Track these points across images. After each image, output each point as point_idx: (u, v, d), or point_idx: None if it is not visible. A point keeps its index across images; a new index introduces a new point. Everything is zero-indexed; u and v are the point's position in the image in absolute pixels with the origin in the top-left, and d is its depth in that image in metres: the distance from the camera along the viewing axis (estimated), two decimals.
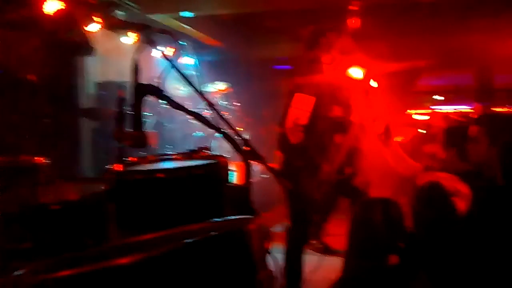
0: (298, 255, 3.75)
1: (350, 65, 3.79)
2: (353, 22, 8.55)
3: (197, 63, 8.06)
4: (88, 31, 6.09)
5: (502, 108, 10.87)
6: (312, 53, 3.71)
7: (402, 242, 2.49)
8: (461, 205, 2.56)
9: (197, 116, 2.02)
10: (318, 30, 3.78)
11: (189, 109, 2.00)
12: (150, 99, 1.86)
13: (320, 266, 3.82)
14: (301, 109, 3.53)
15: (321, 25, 3.82)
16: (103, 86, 7.16)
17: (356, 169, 4.36)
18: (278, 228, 4.14)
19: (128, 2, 6.97)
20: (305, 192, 3.65)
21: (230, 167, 2.35)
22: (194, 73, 2.42)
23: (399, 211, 2.68)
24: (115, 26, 6.98)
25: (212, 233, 1.28)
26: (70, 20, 5.27)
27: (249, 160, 1.92)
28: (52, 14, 4.95)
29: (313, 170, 3.66)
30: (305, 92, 3.56)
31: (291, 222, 3.78)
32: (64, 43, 5.14)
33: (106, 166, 2.29)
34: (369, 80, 4.09)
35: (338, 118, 3.85)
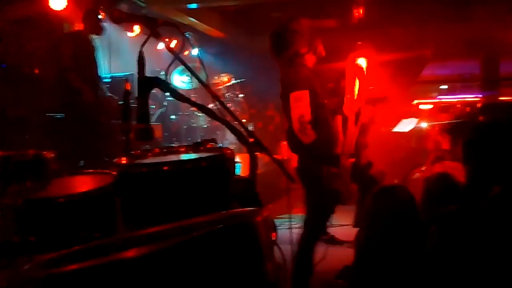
0: (313, 247, 3.76)
1: (322, 47, 3.76)
2: (358, 12, 8.52)
3: (202, 55, 8.06)
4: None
5: (509, 97, 10.78)
6: (287, 51, 3.69)
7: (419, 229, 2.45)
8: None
9: (202, 108, 2.02)
10: (280, 28, 3.75)
11: (194, 101, 2.00)
12: (155, 91, 1.86)
13: (325, 256, 3.82)
14: (301, 106, 3.51)
15: (280, 23, 3.79)
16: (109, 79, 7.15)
17: (371, 159, 4.37)
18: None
19: None
20: (328, 186, 3.65)
21: (235, 159, 2.35)
22: (198, 65, 2.41)
23: (412, 196, 2.64)
24: (119, 19, 6.95)
25: (219, 225, 1.29)
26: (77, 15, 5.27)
27: (254, 152, 1.92)
28: (59, 10, 4.95)
29: (331, 161, 3.66)
30: (297, 88, 3.54)
31: (310, 216, 3.78)
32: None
33: (112, 159, 2.30)
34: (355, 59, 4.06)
35: (335, 102, 3.85)
